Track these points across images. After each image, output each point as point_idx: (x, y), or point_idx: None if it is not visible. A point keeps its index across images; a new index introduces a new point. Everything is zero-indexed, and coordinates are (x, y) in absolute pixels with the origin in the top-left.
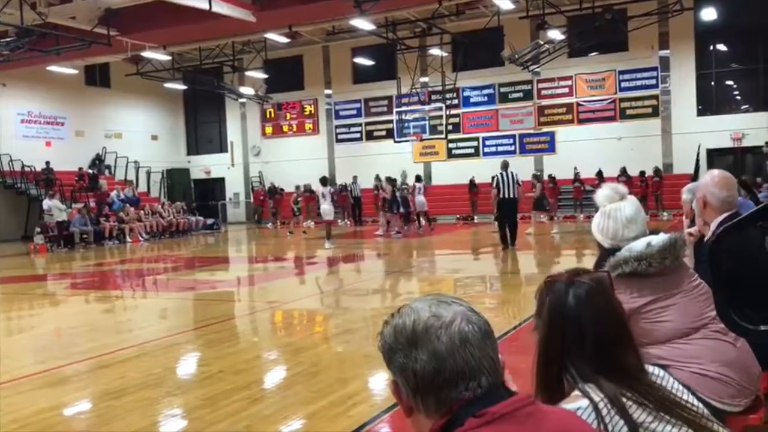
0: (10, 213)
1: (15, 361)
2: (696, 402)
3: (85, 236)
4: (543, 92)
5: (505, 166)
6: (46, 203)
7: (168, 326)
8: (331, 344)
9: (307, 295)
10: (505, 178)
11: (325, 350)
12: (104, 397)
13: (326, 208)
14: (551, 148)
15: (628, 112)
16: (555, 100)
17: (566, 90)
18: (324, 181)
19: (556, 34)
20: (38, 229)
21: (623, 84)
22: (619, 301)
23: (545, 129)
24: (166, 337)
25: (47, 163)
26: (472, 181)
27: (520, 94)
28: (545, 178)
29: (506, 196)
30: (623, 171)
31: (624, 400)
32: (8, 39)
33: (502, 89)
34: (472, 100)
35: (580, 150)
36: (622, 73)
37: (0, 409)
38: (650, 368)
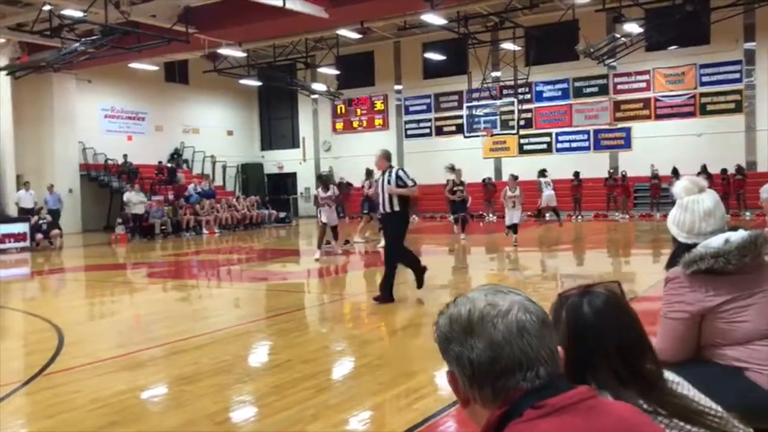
0: (94, 204)
1: (97, 344)
2: (719, 408)
3: (164, 227)
4: (619, 87)
5: (388, 155)
6: (127, 195)
7: (240, 315)
8: (398, 337)
9: (374, 288)
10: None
11: (391, 343)
12: (178, 382)
13: (329, 215)
14: (627, 144)
15: (709, 107)
16: (631, 95)
17: (643, 84)
18: (324, 180)
19: (633, 27)
20: (119, 220)
21: (704, 78)
22: (633, 309)
23: (621, 125)
24: (237, 325)
25: (125, 156)
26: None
27: (595, 89)
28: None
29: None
30: (703, 168)
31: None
32: (94, 37)
33: (577, 84)
34: (545, 94)
35: (657, 146)
36: (703, 67)
37: (81, 390)
38: (667, 374)
